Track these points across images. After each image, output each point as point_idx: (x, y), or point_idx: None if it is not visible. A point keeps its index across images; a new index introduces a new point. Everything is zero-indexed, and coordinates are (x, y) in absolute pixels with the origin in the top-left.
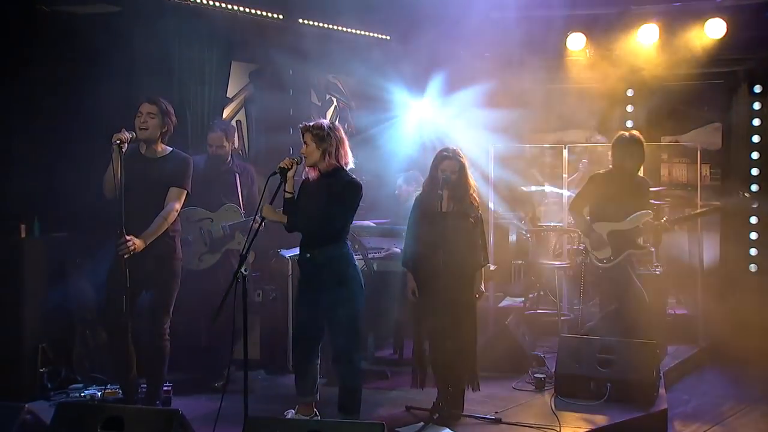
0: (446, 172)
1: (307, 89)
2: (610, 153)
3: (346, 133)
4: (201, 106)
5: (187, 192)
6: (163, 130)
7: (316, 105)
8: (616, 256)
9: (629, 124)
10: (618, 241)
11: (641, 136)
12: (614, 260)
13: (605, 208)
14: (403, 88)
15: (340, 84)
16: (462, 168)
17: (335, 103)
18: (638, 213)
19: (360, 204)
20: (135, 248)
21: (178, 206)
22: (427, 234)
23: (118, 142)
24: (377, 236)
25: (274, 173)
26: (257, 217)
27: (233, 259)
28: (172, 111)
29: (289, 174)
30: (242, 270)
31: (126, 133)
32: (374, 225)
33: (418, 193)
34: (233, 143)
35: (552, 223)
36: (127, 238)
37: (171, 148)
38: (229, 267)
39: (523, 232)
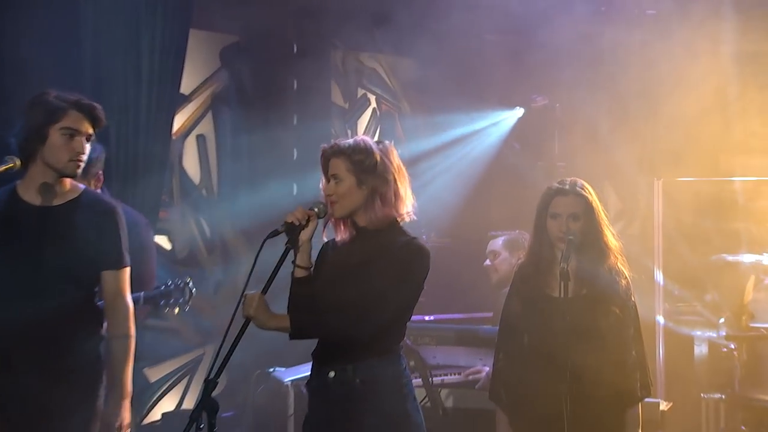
0: (562, 216)
1: (324, 79)
2: None
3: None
4: (134, 109)
5: (129, 267)
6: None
7: (340, 107)
8: None
9: None
10: None
11: None
12: None
13: None
14: (497, 79)
15: (384, 71)
16: (591, 211)
17: (373, 104)
18: None
19: (424, 285)
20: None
21: (129, 296)
22: (535, 339)
23: None
24: (450, 344)
25: (276, 233)
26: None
27: None
28: None
29: (304, 235)
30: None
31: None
32: (445, 324)
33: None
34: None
35: None
36: None
37: (83, 186)
38: None
39: (722, 341)
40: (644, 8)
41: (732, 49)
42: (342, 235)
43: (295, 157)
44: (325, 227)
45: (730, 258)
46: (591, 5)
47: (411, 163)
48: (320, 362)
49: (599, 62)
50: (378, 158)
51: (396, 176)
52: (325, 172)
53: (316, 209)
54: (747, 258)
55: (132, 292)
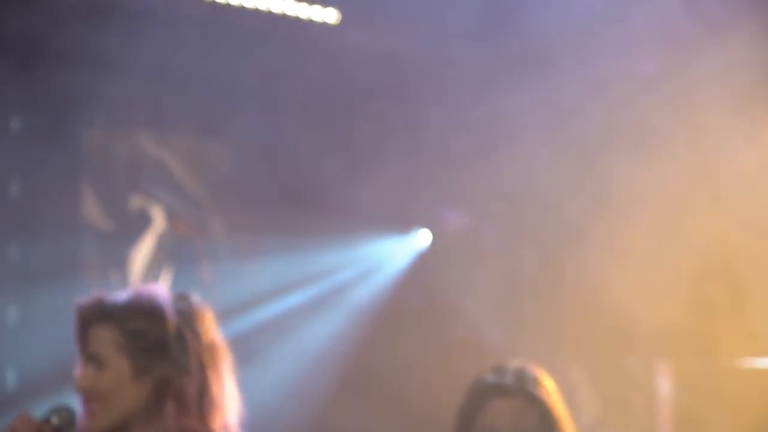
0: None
1: (70, 179)
2: None
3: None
4: None
5: None
6: None
7: (98, 230)
8: None
9: None
10: None
11: None
12: None
13: None
14: (383, 179)
15: (179, 163)
16: (549, 424)
17: (159, 222)
18: None
19: None
20: None
21: None
22: None
23: None
24: None
25: None
26: None
27: None
28: None
29: None
30: None
31: None
32: None
33: None
34: None
35: None
36: None
37: None
38: None
39: None
40: (639, 62)
41: None
42: None
43: (11, 321)
44: None
45: None
46: (540, 59)
47: (227, 331)
48: None
49: (561, 149)
50: (173, 328)
51: (206, 361)
52: (81, 348)
53: (54, 419)
54: None
55: None
